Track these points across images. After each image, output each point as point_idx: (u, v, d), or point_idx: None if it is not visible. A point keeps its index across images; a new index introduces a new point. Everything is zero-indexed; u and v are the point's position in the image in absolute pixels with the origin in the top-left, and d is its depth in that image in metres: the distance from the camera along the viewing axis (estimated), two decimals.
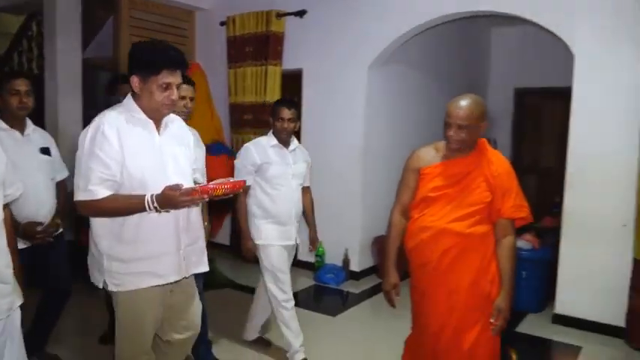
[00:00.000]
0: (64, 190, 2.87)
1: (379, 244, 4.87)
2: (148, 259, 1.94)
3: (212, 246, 5.18)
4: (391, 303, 2.34)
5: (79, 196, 1.86)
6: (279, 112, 2.98)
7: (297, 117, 3.06)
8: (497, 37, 6.61)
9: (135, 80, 1.89)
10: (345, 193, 4.81)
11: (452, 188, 2.19)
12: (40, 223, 2.53)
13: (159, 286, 1.98)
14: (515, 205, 2.15)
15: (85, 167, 1.84)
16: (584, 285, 3.71)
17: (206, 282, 3.55)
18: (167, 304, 2.07)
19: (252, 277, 4.51)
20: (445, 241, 2.15)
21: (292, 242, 3.06)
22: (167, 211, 1.89)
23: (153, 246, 1.94)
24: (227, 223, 5.59)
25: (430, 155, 2.29)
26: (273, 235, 2.99)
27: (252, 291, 4.34)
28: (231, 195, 1.93)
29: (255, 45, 5.02)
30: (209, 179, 4.73)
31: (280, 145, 3.00)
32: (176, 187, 1.79)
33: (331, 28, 4.77)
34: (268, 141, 3.02)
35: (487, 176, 2.16)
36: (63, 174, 2.90)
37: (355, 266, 4.86)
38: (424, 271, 2.23)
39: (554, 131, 6.28)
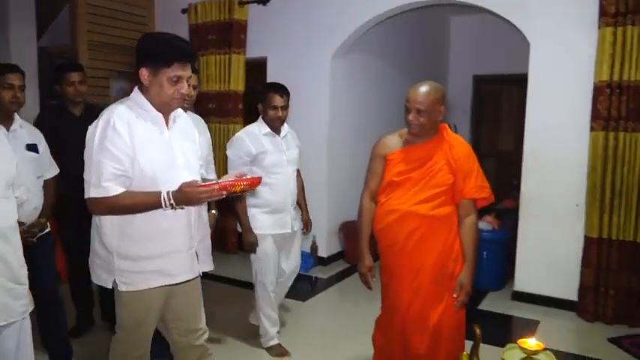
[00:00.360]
0: (52, 188, 2.73)
1: (346, 230, 4.97)
2: (160, 257, 1.88)
3: None
4: (368, 285, 2.42)
5: (91, 192, 1.78)
6: (272, 99, 2.89)
7: (288, 103, 2.97)
8: (455, 26, 6.78)
9: (144, 73, 1.82)
10: (311, 180, 4.83)
11: (416, 172, 2.29)
12: (23, 223, 2.39)
13: (168, 285, 1.93)
14: (477, 186, 2.27)
15: (97, 162, 1.76)
16: (540, 263, 3.91)
17: None
18: (172, 306, 2.02)
19: (228, 267, 4.56)
20: (411, 222, 2.25)
21: (288, 230, 3.00)
22: (182, 208, 1.84)
23: (165, 243, 1.88)
24: None
25: (394, 141, 2.38)
26: (267, 223, 2.94)
27: (229, 282, 4.36)
28: (248, 191, 1.91)
29: (219, 33, 4.98)
30: None
31: (272, 133, 2.94)
32: (194, 183, 1.76)
33: (295, 17, 4.78)
34: (260, 129, 2.94)
35: (449, 159, 2.27)
36: (51, 172, 2.76)
37: (323, 252, 4.95)
38: (392, 251, 2.32)
39: (511, 116, 6.52)
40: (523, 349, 1.62)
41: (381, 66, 5.46)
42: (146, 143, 1.82)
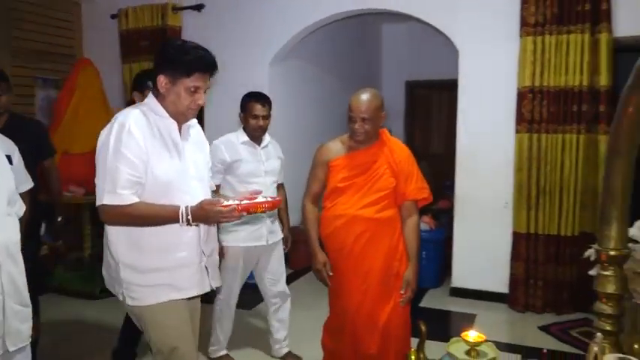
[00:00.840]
0: (26, 202, 2.55)
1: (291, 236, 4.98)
2: (168, 270, 1.80)
3: None
4: (325, 281, 2.43)
5: (105, 199, 1.69)
6: (252, 108, 2.83)
7: (270, 112, 2.91)
8: (387, 33, 7.00)
9: (162, 80, 1.75)
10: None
11: (360, 177, 2.36)
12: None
13: (182, 300, 1.85)
14: (418, 188, 2.38)
15: (112, 167, 1.68)
16: (474, 259, 4.13)
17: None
18: None
19: None
20: (357, 226, 2.31)
21: (263, 243, 2.89)
22: (197, 225, 1.78)
23: (174, 256, 1.80)
24: None
25: (337, 148, 2.43)
26: (240, 236, 2.84)
27: None
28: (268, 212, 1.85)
29: (152, 39, 4.86)
30: None
31: (251, 142, 2.87)
32: (215, 201, 1.71)
33: (230, 24, 4.76)
34: (238, 137, 2.87)
35: (390, 163, 2.35)
36: (26, 185, 2.54)
37: None
38: (340, 255, 2.37)
39: (442, 120, 6.82)
40: (467, 342, 1.70)
41: (317, 72, 5.55)
42: (161, 150, 1.76)
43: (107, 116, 5.01)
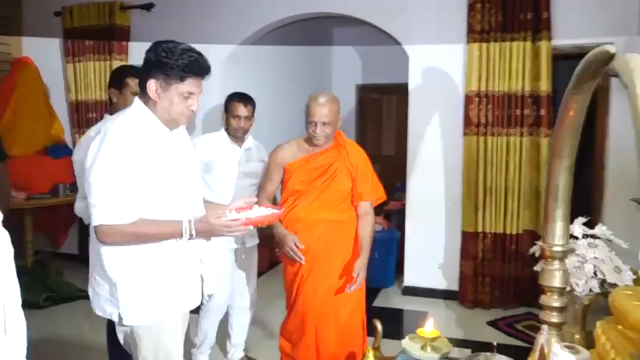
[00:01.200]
0: None
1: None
2: (170, 284, 1.71)
3: (59, 257, 4.81)
4: (298, 255, 2.34)
5: (104, 219, 1.57)
6: (235, 108, 2.78)
7: (253, 113, 2.86)
8: (338, 37, 7.07)
9: (153, 85, 1.64)
10: None
11: (317, 180, 2.38)
12: None
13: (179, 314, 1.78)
14: (373, 188, 2.44)
15: (109, 185, 1.56)
16: (426, 258, 4.24)
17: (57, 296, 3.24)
18: None
19: None
20: (317, 229, 2.34)
21: (237, 245, 2.83)
22: (198, 238, 1.70)
23: (176, 269, 1.72)
24: (74, 231, 5.16)
25: (293, 151, 2.43)
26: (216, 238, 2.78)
27: None
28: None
29: (98, 38, 4.70)
30: (50, 183, 4.39)
31: (231, 143, 2.81)
32: (220, 214, 1.65)
33: (181, 25, 4.66)
34: (219, 137, 2.82)
35: (347, 166, 2.39)
36: None
37: None
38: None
39: (392, 123, 6.95)
40: (422, 338, 1.75)
41: (269, 75, 5.53)
42: (155, 161, 1.65)
43: (48, 117, 4.87)
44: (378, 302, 4.18)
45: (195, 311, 2.07)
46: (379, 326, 2.05)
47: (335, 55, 7.13)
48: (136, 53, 4.76)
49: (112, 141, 1.59)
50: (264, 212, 1.78)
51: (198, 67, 1.67)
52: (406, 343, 1.78)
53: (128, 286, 1.67)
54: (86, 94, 4.79)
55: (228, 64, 4.73)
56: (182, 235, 1.64)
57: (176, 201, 1.70)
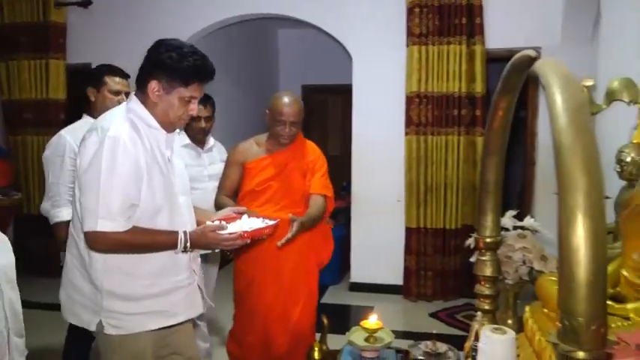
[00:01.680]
0: None
1: None
2: (161, 295, 1.62)
3: None
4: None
5: (99, 225, 1.48)
6: None
7: (214, 113, 2.76)
8: (283, 38, 7.10)
9: (154, 86, 1.56)
10: None
11: (275, 180, 2.37)
12: None
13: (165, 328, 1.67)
14: (322, 183, 2.44)
15: (106, 190, 1.48)
16: (371, 254, 4.36)
17: None
18: (170, 341, 1.73)
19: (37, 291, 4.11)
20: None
21: (207, 251, 2.74)
22: (191, 251, 1.63)
23: (169, 280, 1.64)
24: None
25: (253, 150, 2.42)
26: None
27: (35, 306, 3.86)
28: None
29: (32, 36, 4.50)
30: None
31: (193, 145, 2.70)
32: (218, 227, 1.61)
33: (121, 23, 4.56)
34: (180, 140, 2.64)
35: (303, 164, 2.42)
36: None
37: None
38: (253, 257, 2.38)
39: (338, 123, 7.06)
40: (366, 329, 1.83)
41: (216, 75, 5.48)
42: (153, 167, 1.57)
43: None
44: (326, 299, 4.25)
45: None
46: (325, 321, 2.12)
47: (281, 56, 7.15)
48: (75, 52, 4.60)
49: (110, 144, 1.50)
50: (258, 224, 1.76)
51: (205, 73, 1.62)
52: (351, 335, 1.85)
53: (117, 296, 1.58)
54: (19, 93, 4.57)
55: None
56: (177, 247, 1.58)
57: (170, 206, 1.64)
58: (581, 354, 0.77)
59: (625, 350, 0.78)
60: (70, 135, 2.28)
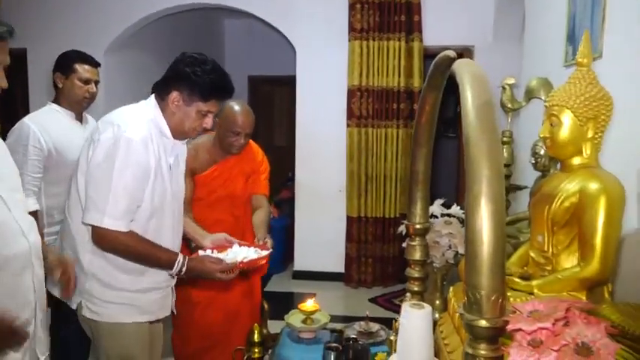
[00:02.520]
0: None
1: None
2: (139, 292, 1.67)
3: None
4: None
5: (105, 222, 1.52)
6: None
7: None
8: (229, 28, 7.04)
9: (175, 97, 1.61)
10: None
11: (222, 186, 2.34)
12: None
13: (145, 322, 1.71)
14: (266, 184, 2.49)
15: (117, 190, 1.52)
16: (314, 243, 4.47)
17: None
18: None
19: None
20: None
21: None
22: (182, 277, 1.70)
23: (149, 279, 1.68)
24: None
25: (200, 159, 2.31)
26: None
27: None
28: None
29: None
30: None
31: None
32: (218, 261, 1.69)
33: (59, 7, 4.39)
34: None
35: (247, 168, 2.42)
36: None
37: None
38: (201, 281, 2.33)
39: (283, 115, 7.10)
40: (303, 312, 1.92)
41: (156, 65, 5.38)
42: (157, 171, 1.62)
43: None
44: (270, 287, 4.32)
45: None
46: (266, 306, 2.19)
47: (227, 47, 7.09)
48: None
49: (126, 145, 1.54)
50: (251, 254, 1.82)
51: (224, 91, 1.67)
52: (289, 317, 1.94)
53: (98, 281, 1.63)
54: None
55: (112, 52, 4.54)
56: (172, 268, 1.64)
57: (161, 212, 1.68)
58: (482, 322, 0.85)
59: (518, 317, 0.89)
60: (33, 123, 2.16)
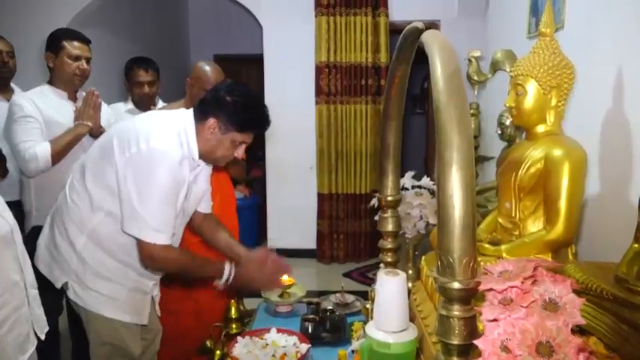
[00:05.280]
0: None
1: None
2: (125, 289, 1.66)
3: None
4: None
5: (159, 238, 1.51)
6: (136, 75, 2.65)
7: (158, 79, 2.73)
8: (194, 7, 6.87)
9: (212, 124, 1.56)
10: None
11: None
12: None
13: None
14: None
15: (161, 206, 1.50)
16: (286, 220, 4.49)
17: None
18: None
19: None
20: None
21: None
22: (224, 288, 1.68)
23: (138, 279, 1.67)
24: None
25: None
26: None
27: None
28: None
29: None
30: None
31: (137, 111, 2.65)
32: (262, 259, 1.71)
33: None
34: (124, 105, 2.71)
35: None
36: None
37: None
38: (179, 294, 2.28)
39: None
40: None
41: (118, 43, 5.22)
42: (182, 188, 1.59)
43: None
44: None
45: None
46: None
47: (191, 25, 6.92)
48: None
49: (171, 163, 1.50)
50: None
51: (263, 125, 1.66)
52: (266, 292, 1.95)
53: (86, 264, 1.62)
54: None
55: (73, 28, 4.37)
56: (221, 277, 1.64)
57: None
58: (455, 284, 0.88)
59: (489, 278, 0.93)
60: (24, 98, 2.13)
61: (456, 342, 0.85)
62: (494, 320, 0.85)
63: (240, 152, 1.65)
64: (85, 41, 2.28)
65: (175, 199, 1.55)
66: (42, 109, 2.12)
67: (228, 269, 1.64)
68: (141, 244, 1.53)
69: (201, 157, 1.63)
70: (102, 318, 1.65)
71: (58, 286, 1.65)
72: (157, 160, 1.49)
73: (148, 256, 1.54)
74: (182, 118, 1.62)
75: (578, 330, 1.00)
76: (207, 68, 2.28)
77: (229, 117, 1.57)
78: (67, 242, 1.63)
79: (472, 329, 0.86)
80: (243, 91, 1.61)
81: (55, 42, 2.23)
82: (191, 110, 1.64)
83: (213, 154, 1.63)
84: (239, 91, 1.60)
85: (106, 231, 1.60)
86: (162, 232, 1.52)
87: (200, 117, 1.61)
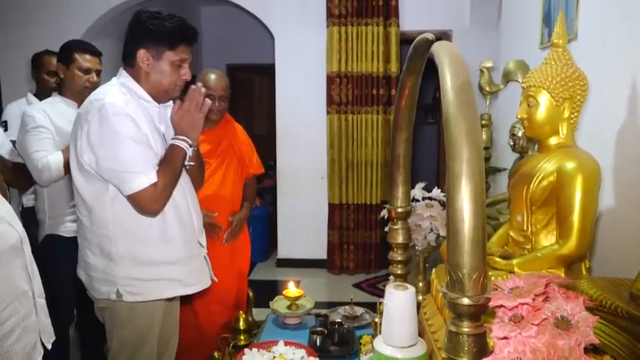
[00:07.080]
0: None
1: None
2: (177, 263, 1.63)
3: None
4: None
5: (147, 180, 1.48)
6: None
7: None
8: (206, 16, 6.93)
9: (143, 55, 1.54)
10: None
11: (212, 158, 2.34)
12: None
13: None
14: (257, 164, 2.56)
15: (133, 149, 1.48)
16: (297, 231, 4.47)
17: None
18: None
19: None
20: (215, 208, 2.35)
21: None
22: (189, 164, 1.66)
23: (182, 248, 1.64)
24: None
25: None
26: None
27: None
28: None
29: None
30: None
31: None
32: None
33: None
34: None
35: (237, 144, 2.45)
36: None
37: None
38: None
39: (263, 103, 7.05)
40: (288, 298, 1.93)
41: None
42: (153, 134, 1.57)
43: None
44: (254, 276, 4.32)
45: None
46: (251, 294, 2.19)
47: (204, 35, 6.98)
48: None
49: (114, 108, 1.49)
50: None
51: (188, 33, 1.61)
52: (274, 304, 1.94)
53: (129, 261, 1.58)
54: None
55: (88, 40, 4.38)
56: (187, 150, 1.60)
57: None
58: (465, 300, 0.86)
59: (500, 294, 0.91)
60: (37, 110, 2.17)
61: (465, 359, 0.83)
62: (505, 338, 0.82)
63: (186, 73, 1.62)
64: (96, 54, 2.31)
65: (145, 139, 1.53)
66: (53, 118, 2.16)
67: (180, 141, 1.59)
68: (137, 198, 1.51)
69: (153, 97, 1.61)
70: (150, 307, 1.62)
71: (113, 297, 1.60)
72: (107, 114, 1.48)
73: (147, 201, 1.52)
74: (114, 80, 1.63)
75: (592, 349, 0.97)
76: (213, 76, 2.33)
77: (155, 39, 1.56)
78: (101, 257, 1.60)
79: (482, 346, 0.84)
80: (152, 12, 1.60)
81: (66, 53, 2.26)
82: (119, 71, 1.64)
83: (161, 85, 1.60)
84: (149, 12, 1.59)
85: (122, 218, 1.57)
86: (145, 173, 1.50)
87: (128, 60, 1.60)
